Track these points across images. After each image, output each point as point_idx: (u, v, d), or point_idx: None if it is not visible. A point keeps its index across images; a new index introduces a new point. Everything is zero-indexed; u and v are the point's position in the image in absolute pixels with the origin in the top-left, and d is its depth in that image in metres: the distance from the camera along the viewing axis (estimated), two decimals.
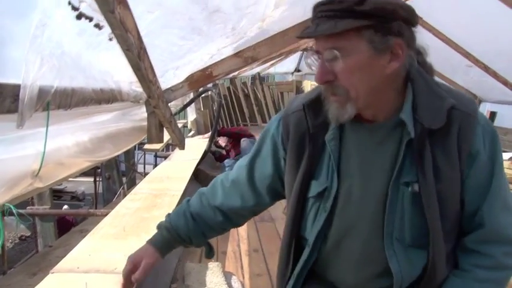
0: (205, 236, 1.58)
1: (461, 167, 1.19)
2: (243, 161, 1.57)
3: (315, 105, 1.32)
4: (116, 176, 12.40)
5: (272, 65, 12.20)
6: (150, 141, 3.20)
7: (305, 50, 12.22)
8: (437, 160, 1.19)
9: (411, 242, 1.25)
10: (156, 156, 12.39)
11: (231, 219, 1.58)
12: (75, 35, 1.65)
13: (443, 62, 7.63)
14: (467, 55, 6.70)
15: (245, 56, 3.46)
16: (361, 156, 1.28)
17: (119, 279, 1.66)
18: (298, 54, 12.95)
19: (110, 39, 1.91)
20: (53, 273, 1.96)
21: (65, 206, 11.80)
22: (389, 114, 1.24)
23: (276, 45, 3.61)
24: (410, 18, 1.19)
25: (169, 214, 1.60)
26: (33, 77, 1.41)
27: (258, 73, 13.66)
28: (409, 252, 1.26)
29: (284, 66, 13.93)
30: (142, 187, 3.89)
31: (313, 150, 1.33)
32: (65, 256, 2.17)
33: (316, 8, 1.15)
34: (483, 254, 1.23)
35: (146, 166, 12.97)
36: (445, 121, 1.18)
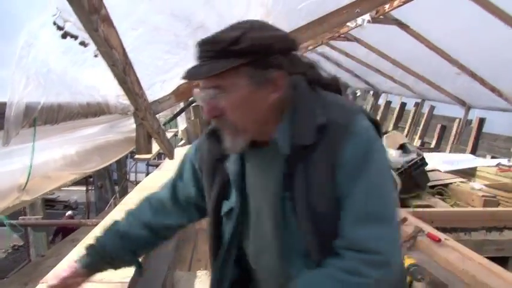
0: (134, 254, 1.60)
1: (333, 179, 1.21)
2: (168, 182, 1.63)
3: (217, 133, 1.36)
4: (108, 185, 12.35)
5: None
6: (138, 152, 3.25)
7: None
8: (309, 174, 1.21)
9: (305, 253, 1.27)
10: (148, 164, 12.40)
11: (160, 234, 1.62)
12: (61, 53, 1.72)
13: (432, 70, 7.75)
14: (454, 62, 6.81)
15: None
16: (255, 177, 1.35)
17: None
18: None
19: (95, 56, 1.97)
20: (43, 283, 2.00)
21: (69, 212, 11.76)
22: None
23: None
24: (289, 47, 1.23)
25: (97, 237, 1.58)
26: (20, 95, 1.47)
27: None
28: (308, 264, 1.27)
29: None
30: (132, 196, 3.91)
31: (222, 174, 1.39)
32: (56, 266, 2.19)
33: (198, 47, 1.19)
34: (343, 257, 1.21)
35: (138, 174, 12.96)
36: (314, 137, 1.21)
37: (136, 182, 10.29)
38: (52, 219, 9.21)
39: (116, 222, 1.60)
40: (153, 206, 1.60)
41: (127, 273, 1.99)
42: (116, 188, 11.87)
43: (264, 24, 1.23)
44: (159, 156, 10.33)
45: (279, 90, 1.21)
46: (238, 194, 1.36)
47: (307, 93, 1.26)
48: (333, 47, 10.00)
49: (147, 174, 10.05)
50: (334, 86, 1.36)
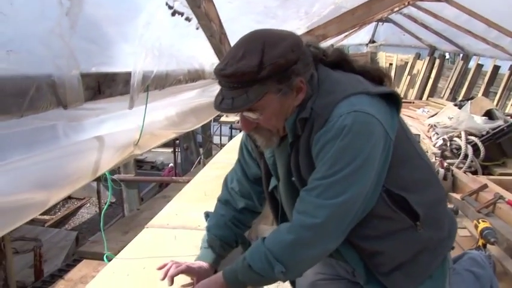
0: (242, 236, 1.76)
1: (311, 161, 1.37)
2: (236, 166, 1.81)
3: None
4: (193, 147, 12.72)
5: (346, 36, 12.05)
6: (227, 114, 3.52)
7: (380, 20, 11.96)
8: (298, 157, 1.39)
9: None
10: (231, 128, 12.72)
11: (258, 211, 1.80)
12: (170, 29, 2.00)
13: None
14: None
15: (316, 34, 3.68)
16: (279, 162, 1.54)
17: (201, 235, 1.97)
18: (372, 25, 12.68)
19: (197, 29, 2.26)
20: (147, 227, 2.27)
21: (171, 164, 12.39)
22: None
23: (345, 23, 3.78)
24: (301, 52, 1.33)
25: (209, 229, 1.72)
26: (140, 66, 1.77)
27: (332, 45, 13.50)
28: None
29: (358, 38, 13.64)
30: (220, 157, 4.17)
31: (264, 160, 1.60)
32: (151, 218, 2.40)
33: (220, 76, 1.28)
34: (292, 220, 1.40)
35: (222, 138, 13.34)
36: (300, 129, 1.36)
37: (221, 145, 10.63)
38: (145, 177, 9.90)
39: (220, 216, 1.74)
40: (236, 192, 1.76)
41: None
42: (201, 150, 12.20)
43: (272, 36, 1.31)
44: None
45: (303, 91, 1.36)
46: (275, 176, 1.58)
47: (314, 85, 1.39)
48: (419, 8, 9.59)
49: (231, 137, 10.34)
50: (338, 59, 1.48)
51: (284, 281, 1.45)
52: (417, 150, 1.50)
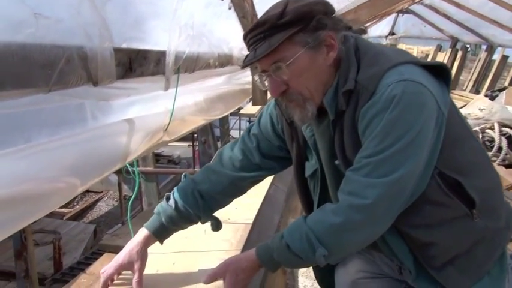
0: (212, 211, 1.59)
1: (358, 140, 1.24)
2: (249, 130, 1.64)
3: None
4: (211, 141, 12.77)
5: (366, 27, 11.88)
6: (254, 103, 3.39)
7: (400, 11, 11.74)
8: (343, 137, 1.27)
9: None
10: (250, 121, 12.68)
11: (241, 188, 1.63)
12: (203, 7, 1.86)
13: None
14: None
15: (347, 19, 3.52)
16: (319, 141, 1.39)
17: (232, 228, 1.84)
18: (392, 17, 12.48)
19: (229, 8, 2.13)
20: None
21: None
22: None
23: (377, 7, 3.62)
24: (327, 9, 1.25)
25: (168, 197, 1.55)
26: (174, 45, 1.64)
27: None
28: None
29: (378, 30, 13.47)
30: None
31: (297, 137, 1.46)
32: None
33: (246, 37, 1.23)
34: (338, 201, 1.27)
35: (241, 131, 13.30)
36: (345, 104, 1.23)
37: None
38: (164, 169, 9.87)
39: (193, 180, 1.57)
40: (235, 160, 1.59)
41: (250, 214, 2.14)
42: (219, 143, 12.25)
43: None
44: None
45: (334, 49, 1.24)
46: (316, 156, 1.42)
47: (351, 51, 1.27)
48: None
49: None
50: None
51: (322, 265, 1.29)
52: (469, 131, 1.37)
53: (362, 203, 1.20)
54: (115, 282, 1.45)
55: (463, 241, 1.31)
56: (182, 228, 1.57)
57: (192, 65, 2.08)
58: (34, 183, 1.19)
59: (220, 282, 1.38)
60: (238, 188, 1.62)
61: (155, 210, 1.53)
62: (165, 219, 1.50)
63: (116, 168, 1.71)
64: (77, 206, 11.32)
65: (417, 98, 1.17)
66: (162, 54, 1.70)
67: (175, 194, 1.53)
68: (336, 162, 1.32)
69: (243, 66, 1.27)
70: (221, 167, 1.59)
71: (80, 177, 1.45)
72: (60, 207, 10.49)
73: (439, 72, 1.28)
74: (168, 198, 1.53)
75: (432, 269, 1.31)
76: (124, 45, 1.51)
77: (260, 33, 1.20)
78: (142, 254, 1.46)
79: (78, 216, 10.71)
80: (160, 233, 1.51)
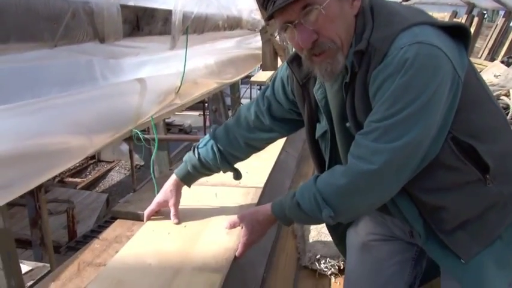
0: (230, 164, 1.67)
1: (369, 104, 1.21)
2: (264, 92, 1.64)
3: (297, 60, 1.37)
4: (222, 109, 12.75)
5: None
6: (264, 68, 3.35)
7: None
8: (354, 101, 1.24)
9: None
10: (260, 89, 12.63)
11: (256, 147, 1.70)
12: None
13: None
14: None
15: None
16: (331, 101, 1.36)
17: (242, 192, 1.85)
18: None
19: None
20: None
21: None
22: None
23: None
24: None
25: (195, 147, 1.67)
26: (181, 4, 1.60)
27: None
28: None
29: None
30: None
31: (309, 99, 1.45)
32: None
33: None
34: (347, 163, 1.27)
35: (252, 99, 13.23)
36: (356, 65, 1.20)
37: None
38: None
39: (215, 135, 1.67)
40: (249, 122, 1.63)
41: (261, 179, 2.14)
42: (229, 112, 12.24)
43: None
44: None
45: None
46: (327, 118, 1.40)
47: (367, 9, 1.22)
48: None
49: None
50: None
51: (332, 224, 1.35)
52: (488, 94, 1.32)
53: (369, 169, 1.18)
54: (157, 217, 1.66)
55: (475, 206, 1.29)
56: (206, 175, 1.70)
57: (201, 26, 2.04)
58: (42, 139, 1.18)
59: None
60: (254, 147, 1.67)
61: (184, 158, 1.68)
62: (190, 167, 1.64)
63: (128, 129, 1.69)
64: (90, 176, 11.45)
65: (430, 61, 1.12)
66: (169, 13, 1.66)
67: (199, 146, 1.66)
68: (347, 124, 1.30)
69: (269, 17, 1.18)
70: (237, 126, 1.64)
71: (91, 136, 1.44)
72: (73, 177, 10.64)
73: (458, 33, 1.22)
74: (194, 149, 1.66)
75: (442, 233, 1.30)
76: (131, 3, 1.47)
77: None
78: (175, 192, 1.64)
79: (90, 186, 10.84)
80: (187, 179, 1.67)
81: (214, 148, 1.62)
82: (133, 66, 1.72)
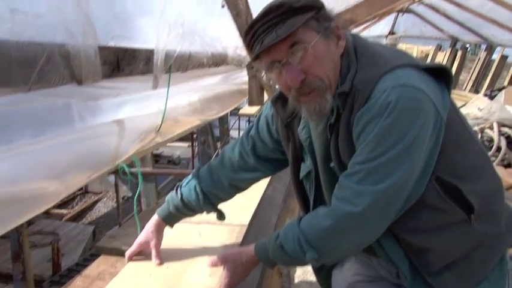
0: (213, 205, 1.66)
1: (352, 145, 1.22)
2: (248, 131, 1.64)
3: (281, 99, 1.38)
4: (210, 141, 12.79)
5: (365, 28, 11.83)
6: (251, 103, 3.35)
7: (400, 11, 11.70)
8: (338, 141, 1.24)
9: None
10: (249, 121, 12.68)
11: (240, 187, 1.68)
12: (195, 4, 1.82)
13: None
14: None
15: (344, 19, 3.47)
16: (315, 142, 1.37)
17: (227, 230, 1.83)
18: (392, 16, 12.43)
19: (223, 6, 2.08)
20: None
21: None
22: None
23: (374, 6, 3.58)
24: (326, 8, 1.23)
25: (179, 186, 1.66)
26: (163, 43, 1.59)
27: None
28: None
29: (378, 29, 13.43)
30: None
31: (293, 138, 1.43)
32: None
33: (253, 26, 1.17)
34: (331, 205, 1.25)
35: (240, 132, 13.28)
36: (340, 106, 1.20)
37: None
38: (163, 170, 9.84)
39: (198, 176, 1.65)
40: (234, 162, 1.63)
41: (246, 217, 2.10)
42: (218, 144, 12.28)
43: None
44: None
45: (343, 38, 1.22)
46: (312, 157, 1.40)
47: (351, 50, 1.24)
48: None
49: None
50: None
51: (316, 266, 1.37)
52: (470, 133, 1.32)
53: (352, 211, 1.18)
54: (138, 257, 1.65)
55: (460, 246, 1.27)
56: (189, 216, 1.71)
57: (185, 64, 2.04)
58: (15, 186, 1.15)
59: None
60: (237, 187, 1.67)
61: (166, 198, 1.68)
62: (172, 208, 1.64)
63: (105, 171, 1.67)
64: (76, 207, 11.30)
65: (413, 103, 1.13)
66: (151, 53, 1.66)
67: (182, 186, 1.66)
68: (331, 164, 1.30)
69: (255, 57, 1.19)
70: (221, 166, 1.65)
71: (65, 180, 1.41)
72: (59, 208, 10.47)
73: (440, 74, 1.24)
74: (177, 189, 1.66)
75: (428, 274, 1.28)
76: (111, 44, 1.47)
77: (276, 17, 1.14)
78: (156, 234, 1.63)
79: (77, 217, 10.68)
80: (169, 219, 1.67)
81: (197, 189, 1.61)
82: (113, 107, 1.71)
